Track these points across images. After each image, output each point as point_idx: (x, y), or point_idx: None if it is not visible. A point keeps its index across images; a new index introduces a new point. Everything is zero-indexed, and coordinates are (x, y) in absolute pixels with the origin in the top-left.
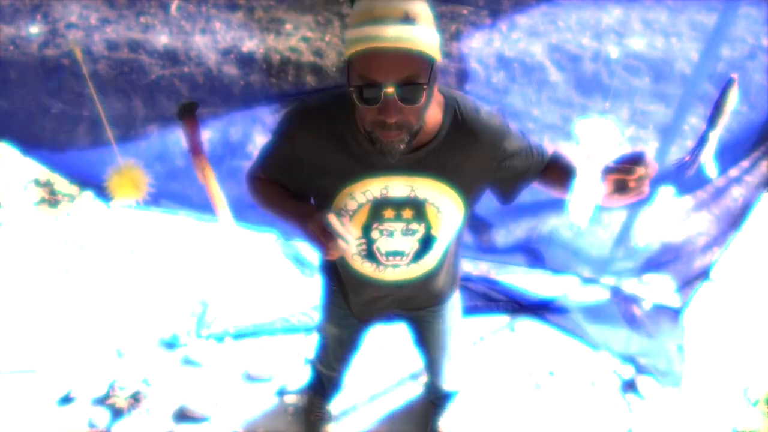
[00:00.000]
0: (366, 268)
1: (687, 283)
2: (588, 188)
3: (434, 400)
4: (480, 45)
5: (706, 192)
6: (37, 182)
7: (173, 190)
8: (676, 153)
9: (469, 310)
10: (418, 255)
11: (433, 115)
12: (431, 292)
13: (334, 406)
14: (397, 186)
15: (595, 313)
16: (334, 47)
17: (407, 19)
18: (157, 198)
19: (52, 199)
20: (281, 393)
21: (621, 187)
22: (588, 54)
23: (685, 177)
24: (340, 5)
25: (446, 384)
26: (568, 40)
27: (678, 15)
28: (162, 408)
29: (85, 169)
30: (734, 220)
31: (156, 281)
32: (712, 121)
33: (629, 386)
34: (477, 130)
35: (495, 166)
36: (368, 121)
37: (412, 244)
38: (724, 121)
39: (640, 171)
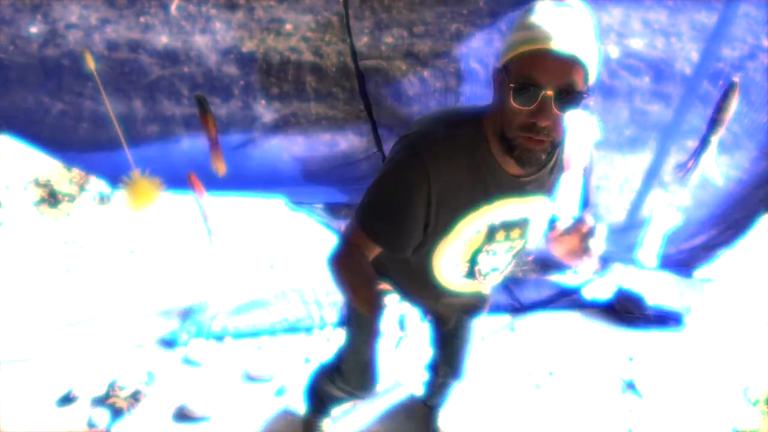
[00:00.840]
0: (462, 283)
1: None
2: (570, 186)
3: (432, 401)
4: (480, 45)
5: (706, 192)
6: (37, 182)
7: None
8: (676, 153)
9: None
10: (507, 266)
11: None
12: (488, 299)
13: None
14: (513, 209)
15: None
16: (334, 47)
17: (577, 27)
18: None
19: (52, 199)
20: (281, 393)
21: (569, 251)
22: None
23: (686, 181)
24: (340, 5)
25: (461, 379)
26: None
27: (678, 15)
28: (162, 408)
29: (92, 164)
30: (733, 219)
31: (156, 281)
32: (713, 124)
33: (629, 386)
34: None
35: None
36: (516, 124)
37: (508, 260)
38: (725, 124)
39: (586, 241)
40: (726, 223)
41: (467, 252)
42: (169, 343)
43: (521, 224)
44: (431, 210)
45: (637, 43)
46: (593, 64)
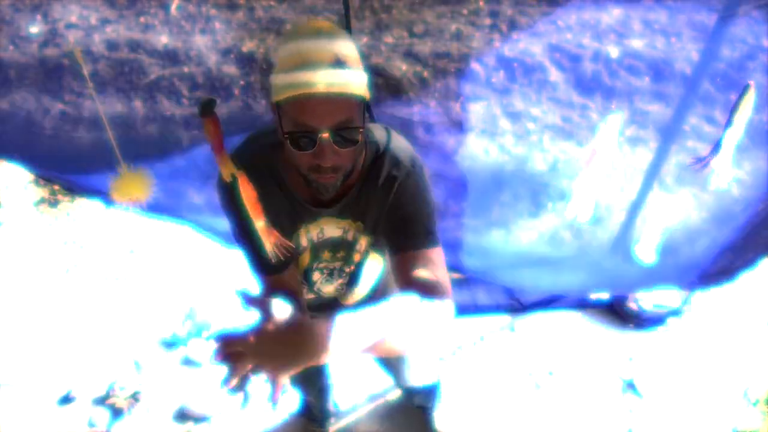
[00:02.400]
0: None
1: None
2: (592, 183)
3: (419, 404)
4: (480, 45)
5: (707, 193)
6: (37, 182)
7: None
8: (676, 153)
9: (470, 310)
10: (347, 289)
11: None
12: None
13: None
14: (331, 228)
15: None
16: None
17: (338, 62)
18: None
19: (52, 199)
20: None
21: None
22: (588, 54)
23: (699, 176)
24: (340, 5)
25: (414, 382)
26: (568, 40)
27: (678, 15)
28: (162, 408)
29: (88, 176)
30: (734, 220)
31: (156, 281)
32: (727, 127)
33: (629, 386)
34: (386, 174)
35: (383, 207)
36: (303, 166)
37: (341, 282)
38: (741, 127)
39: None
40: (748, 242)
41: (300, 268)
42: (169, 343)
43: (344, 246)
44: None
45: (637, 43)
46: (363, 90)
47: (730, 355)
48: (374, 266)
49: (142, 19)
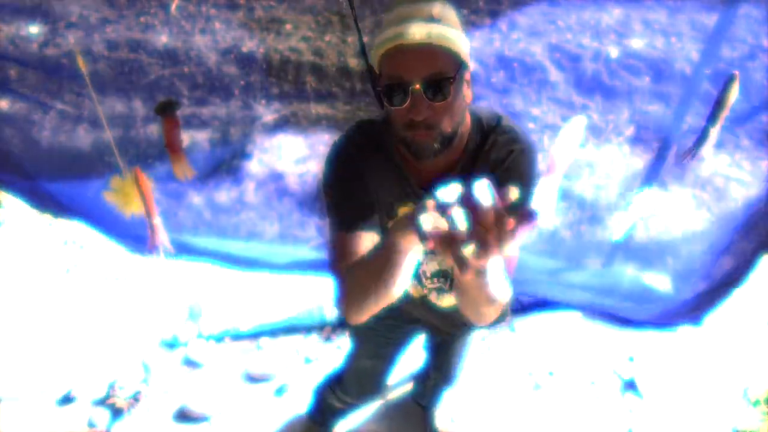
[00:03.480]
0: (414, 286)
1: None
2: (551, 188)
3: (424, 401)
4: (480, 45)
5: (706, 192)
6: None
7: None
8: (676, 153)
9: None
10: (451, 273)
11: (464, 136)
12: (458, 322)
13: None
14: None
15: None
16: (334, 47)
17: (432, 18)
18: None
19: None
20: (281, 393)
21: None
22: (588, 54)
23: (684, 168)
24: (340, 5)
25: (454, 385)
26: (568, 40)
27: (678, 15)
28: (162, 408)
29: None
30: (734, 220)
31: (156, 281)
32: (712, 116)
33: (629, 386)
34: (489, 145)
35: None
36: (399, 124)
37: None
38: (725, 116)
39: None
40: (738, 251)
41: None
42: (169, 343)
43: None
44: (371, 188)
45: (637, 43)
46: (460, 46)
47: (730, 355)
48: None
49: (142, 19)
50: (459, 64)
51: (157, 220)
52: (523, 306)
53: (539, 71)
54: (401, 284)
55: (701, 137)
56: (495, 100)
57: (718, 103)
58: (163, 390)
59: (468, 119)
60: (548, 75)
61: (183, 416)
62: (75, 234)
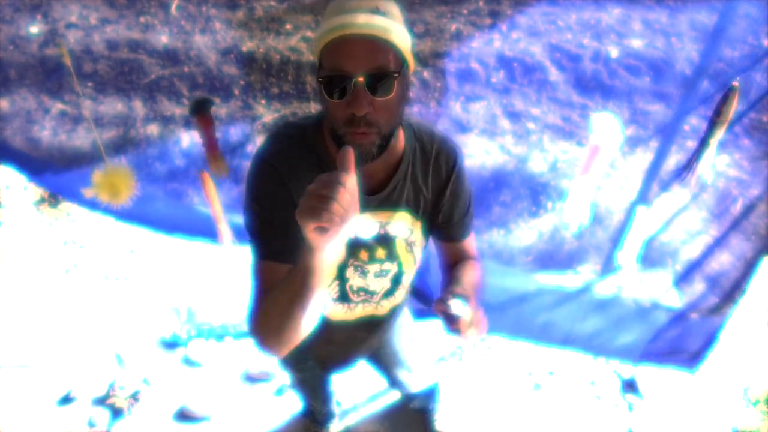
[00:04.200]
0: (337, 311)
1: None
2: (589, 186)
3: (418, 407)
4: (480, 45)
5: (706, 192)
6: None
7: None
8: (676, 153)
9: None
10: (388, 293)
11: (397, 141)
12: (392, 323)
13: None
14: (369, 224)
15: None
16: None
17: (377, 10)
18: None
19: (52, 199)
20: (281, 393)
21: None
22: (588, 54)
23: (683, 181)
24: None
25: (414, 388)
26: (568, 40)
27: (678, 15)
28: (162, 408)
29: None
30: (734, 220)
31: (156, 281)
32: (711, 127)
33: (629, 386)
34: (436, 156)
35: (440, 196)
36: (338, 120)
37: (383, 284)
38: (724, 127)
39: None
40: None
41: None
42: (169, 343)
43: (383, 242)
44: (294, 205)
45: (637, 43)
46: (404, 44)
47: (730, 355)
48: (417, 262)
49: (142, 19)
50: (402, 61)
51: (223, 226)
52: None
53: (539, 71)
54: (318, 307)
55: (700, 148)
56: (495, 100)
57: (718, 114)
58: (163, 390)
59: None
60: (548, 75)
61: (183, 416)
62: (75, 234)
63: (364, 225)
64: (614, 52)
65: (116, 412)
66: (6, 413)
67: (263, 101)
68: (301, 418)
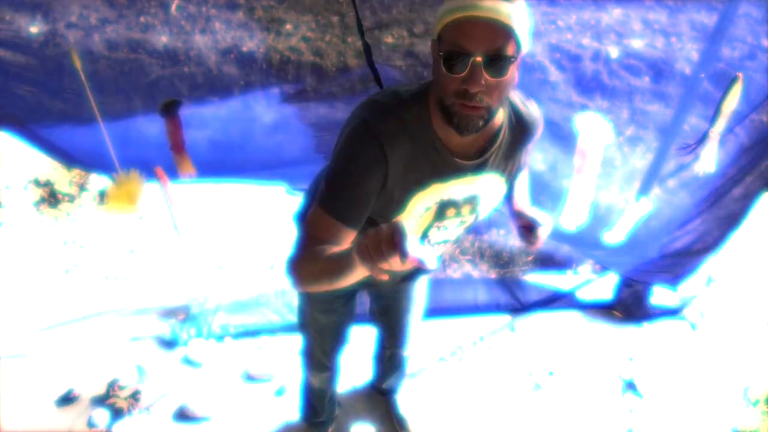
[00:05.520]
0: None
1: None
2: (586, 185)
3: (385, 384)
4: None
5: (706, 191)
6: (37, 182)
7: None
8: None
9: (469, 310)
10: (458, 239)
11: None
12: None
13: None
14: (462, 187)
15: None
16: (334, 47)
17: None
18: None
19: (52, 199)
20: (281, 393)
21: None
22: (588, 54)
23: (684, 165)
24: (341, 5)
25: (407, 350)
26: (568, 40)
27: (678, 15)
28: (162, 408)
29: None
30: (734, 220)
31: (156, 281)
32: (714, 117)
33: (629, 386)
34: (528, 123)
35: (523, 155)
36: (450, 92)
37: (459, 232)
38: (727, 117)
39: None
40: (709, 221)
41: (418, 229)
42: (169, 343)
43: (471, 201)
44: (387, 184)
45: (637, 43)
46: (523, 31)
47: (730, 355)
48: (498, 202)
49: (142, 19)
50: (518, 45)
51: (179, 216)
52: (523, 306)
53: (539, 71)
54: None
55: (702, 137)
56: None
57: (720, 105)
58: (163, 390)
59: None
60: (548, 75)
61: (183, 416)
62: (75, 234)
63: (458, 189)
64: (614, 52)
65: (116, 412)
66: (6, 413)
67: (263, 101)
68: (300, 423)
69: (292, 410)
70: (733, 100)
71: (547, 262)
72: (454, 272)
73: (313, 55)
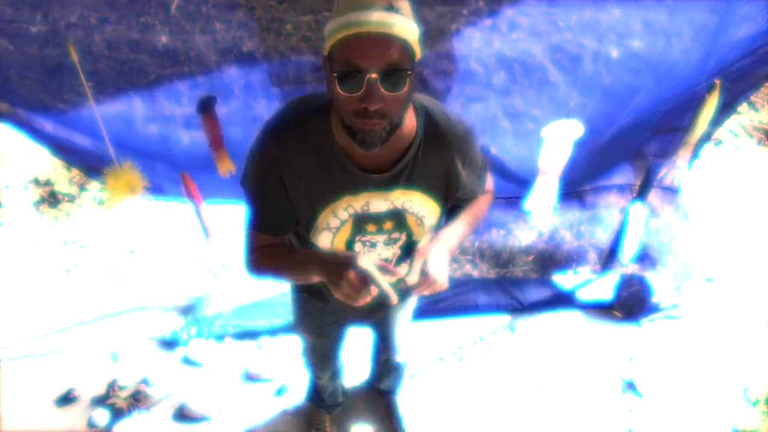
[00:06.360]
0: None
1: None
2: (548, 190)
3: (383, 385)
4: (480, 45)
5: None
6: (37, 182)
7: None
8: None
9: (469, 310)
10: (400, 261)
11: (408, 122)
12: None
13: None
14: (378, 201)
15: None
16: None
17: (391, 7)
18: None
19: (52, 199)
20: (281, 393)
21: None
22: (588, 54)
23: (663, 181)
24: None
25: (399, 356)
26: (568, 40)
27: (678, 15)
28: (162, 408)
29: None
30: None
31: (156, 281)
32: (691, 125)
33: (629, 386)
34: (448, 135)
35: (460, 169)
36: (349, 111)
37: (394, 252)
38: (704, 126)
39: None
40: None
41: (339, 242)
42: (169, 343)
43: (393, 217)
44: (289, 196)
45: (637, 43)
46: (415, 40)
47: (729, 355)
48: (428, 232)
49: (142, 19)
50: (413, 57)
51: (209, 224)
52: (523, 306)
53: (539, 72)
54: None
55: (677, 146)
56: (495, 100)
57: (697, 113)
58: (163, 390)
59: (410, 104)
60: (548, 75)
61: (183, 416)
62: (75, 234)
63: (374, 204)
64: (614, 52)
65: (116, 412)
66: (6, 413)
67: (263, 101)
68: (305, 405)
69: (292, 410)
70: (710, 108)
71: (547, 262)
72: (454, 272)
73: (313, 55)
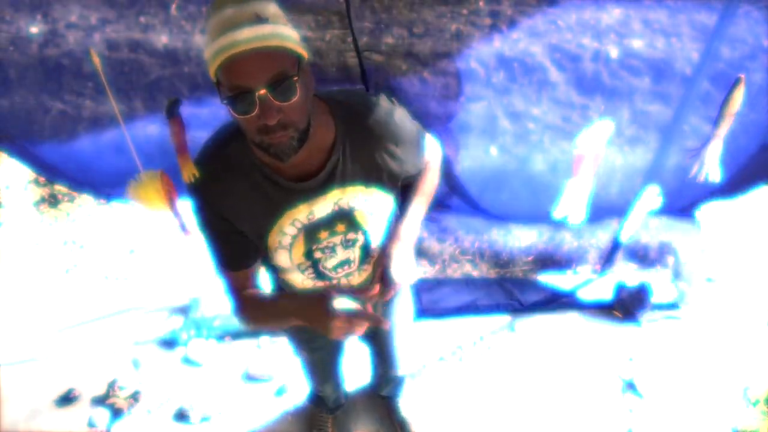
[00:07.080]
0: (321, 288)
1: None
2: (583, 187)
3: (385, 392)
4: (480, 45)
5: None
6: (37, 182)
7: None
8: (675, 153)
9: (469, 309)
10: (363, 260)
11: (323, 120)
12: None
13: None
14: (321, 207)
15: None
16: (334, 47)
17: (258, 19)
18: None
19: (52, 199)
20: (281, 393)
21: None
22: (588, 54)
23: (688, 177)
24: (341, 5)
25: (399, 371)
26: (568, 40)
27: (678, 15)
28: (162, 408)
29: (88, 172)
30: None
31: (156, 281)
32: (717, 120)
33: (629, 386)
34: (370, 123)
35: (394, 150)
36: (253, 131)
37: (355, 253)
38: (729, 121)
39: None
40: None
41: (297, 256)
42: (169, 343)
43: (342, 217)
44: (236, 224)
45: (637, 43)
46: (294, 41)
47: (729, 355)
48: (383, 224)
49: (142, 19)
50: (297, 59)
51: (186, 218)
52: (523, 306)
53: (539, 71)
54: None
55: (705, 143)
56: (495, 100)
57: (723, 107)
58: (163, 390)
59: (323, 104)
60: (548, 75)
61: (183, 416)
62: (75, 234)
63: (317, 209)
64: (614, 52)
65: (116, 412)
66: (6, 413)
67: None
68: (307, 405)
69: (293, 410)
70: (736, 102)
71: (547, 262)
72: (454, 272)
73: (313, 55)
